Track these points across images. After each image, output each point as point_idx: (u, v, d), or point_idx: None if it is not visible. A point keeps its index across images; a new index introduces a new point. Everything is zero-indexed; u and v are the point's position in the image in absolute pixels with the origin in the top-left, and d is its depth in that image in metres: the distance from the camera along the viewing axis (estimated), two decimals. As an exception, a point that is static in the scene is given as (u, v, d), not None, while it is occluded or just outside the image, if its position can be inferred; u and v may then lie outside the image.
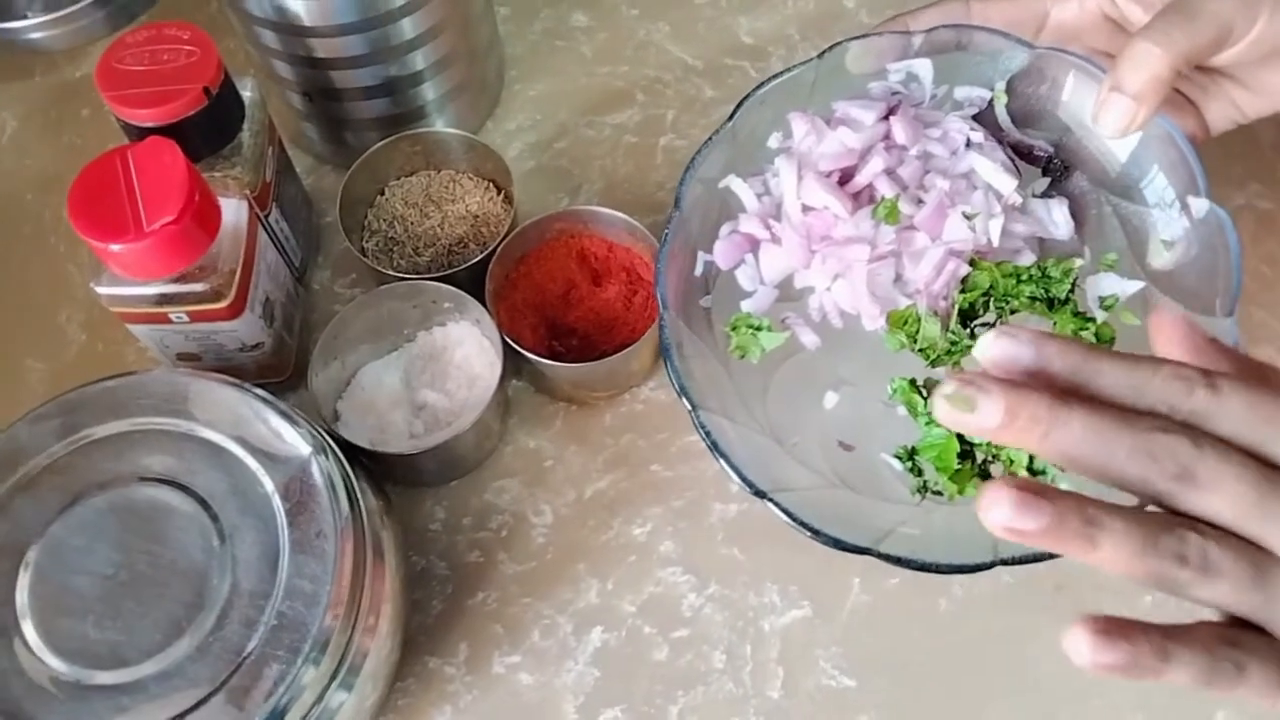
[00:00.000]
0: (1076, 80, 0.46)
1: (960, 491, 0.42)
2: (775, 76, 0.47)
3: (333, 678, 0.42)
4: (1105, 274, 0.46)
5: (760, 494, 0.41)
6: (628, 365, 0.54)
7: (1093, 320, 0.44)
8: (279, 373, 0.54)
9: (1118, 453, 0.27)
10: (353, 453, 0.47)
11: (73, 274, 0.59)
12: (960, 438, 0.42)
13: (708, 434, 0.42)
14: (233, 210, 0.48)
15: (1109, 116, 0.43)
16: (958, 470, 0.41)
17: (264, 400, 0.44)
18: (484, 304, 0.52)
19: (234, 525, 0.42)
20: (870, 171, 0.46)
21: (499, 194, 0.58)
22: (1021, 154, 0.48)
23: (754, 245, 0.47)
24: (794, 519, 0.41)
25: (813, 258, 0.45)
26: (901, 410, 0.44)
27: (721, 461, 0.42)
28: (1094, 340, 0.43)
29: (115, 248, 0.43)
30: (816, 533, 0.41)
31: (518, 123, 0.64)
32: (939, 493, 0.43)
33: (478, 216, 0.57)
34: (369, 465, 0.49)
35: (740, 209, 0.48)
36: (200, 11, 0.66)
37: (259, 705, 0.39)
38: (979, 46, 0.47)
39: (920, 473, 0.43)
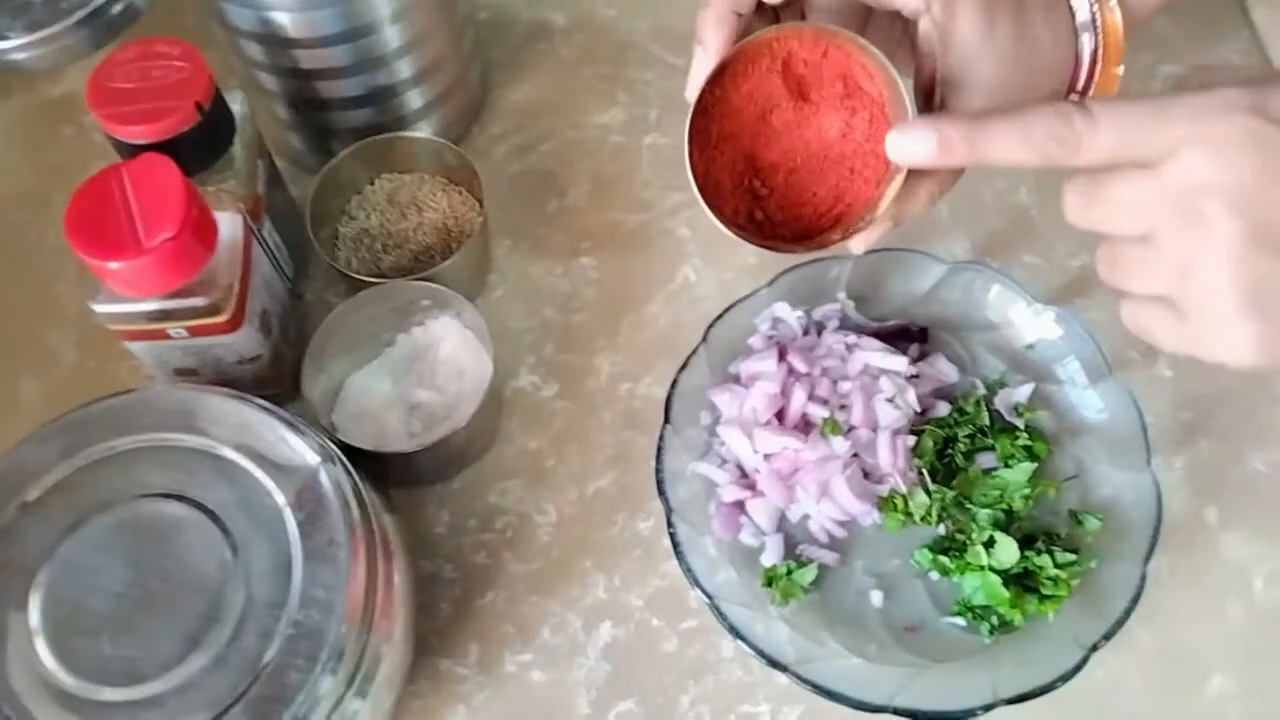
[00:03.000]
0: (907, 265, 0.56)
1: (1024, 614, 0.49)
2: (683, 368, 0.54)
3: (349, 685, 0.42)
4: (1001, 390, 0.55)
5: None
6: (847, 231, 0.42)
7: (1022, 431, 0.53)
8: (277, 384, 0.54)
9: (1025, 138, 0.35)
10: (354, 458, 0.47)
11: (61, 292, 0.59)
12: (994, 570, 0.49)
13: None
14: (228, 224, 0.48)
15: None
16: (1011, 597, 0.49)
17: (268, 411, 0.45)
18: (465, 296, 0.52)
19: (245, 537, 0.42)
20: (798, 404, 0.53)
21: (475, 201, 0.58)
22: (886, 336, 0.56)
23: (741, 508, 0.52)
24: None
25: (793, 491, 0.52)
26: (934, 575, 0.51)
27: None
28: (1027, 453, 0.53)
29: (115, 265, 0.43)
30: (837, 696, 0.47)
31: (502, 127, 0.64)
32: (1008, 622, 0.49)
33: (448, 223, 0.58)
34: (372, 470, 0.49)
35: (714, 485, 0.53)
36: (179, 26, 0.65)
37: (279, 716, 0.39)
38: (809, 276, 0.56)
39: (982, 618, 0.49)
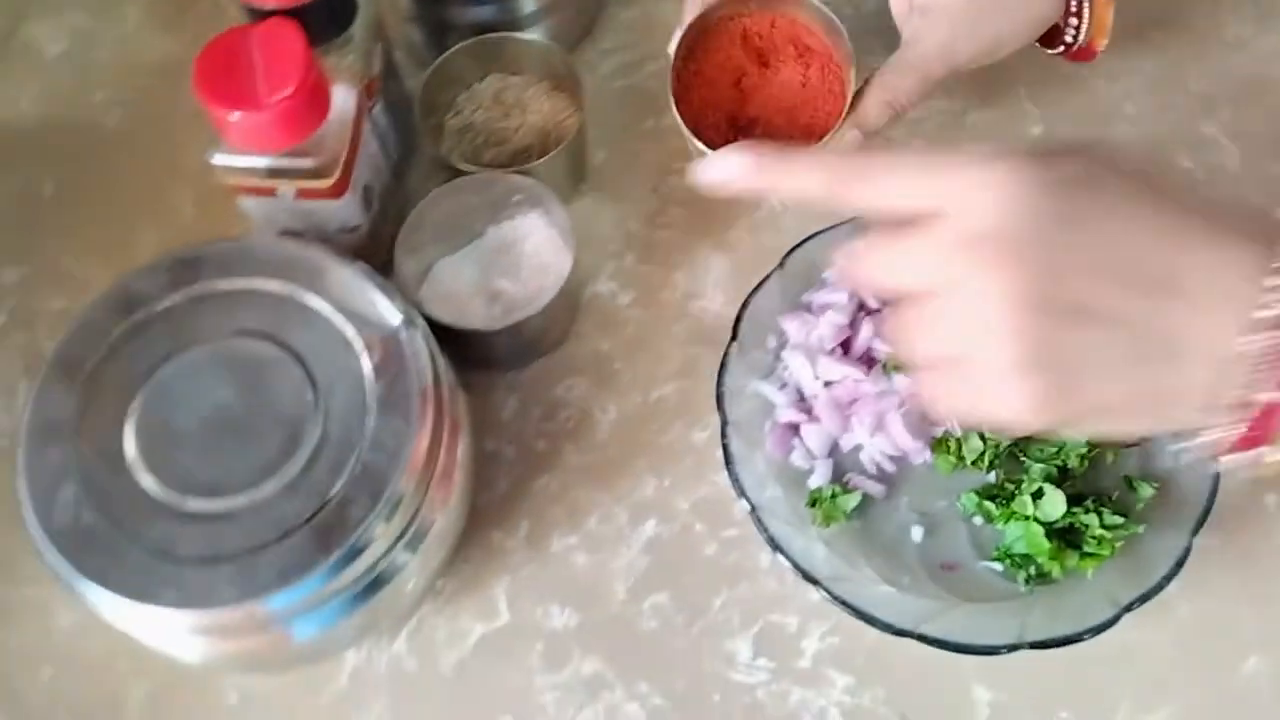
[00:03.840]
0: None
1: (1062, 568, 0.49)
2: (756, 289, 0.54)
3: (400, 536, 0.45)
4: None
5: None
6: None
7: None
8: (372, 259, 0.56)
9: (814, 171, 0.35)
10: (436, 335, 0.50)
11: (188, 154, 0.63)
12: (1039, 521, 0.49)
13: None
14: (341, 96, 0.51)
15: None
16: (1051, 550, 0.49)
17: (362, 273, 0.48)
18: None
19: (327, 381, 0.45)
20: (865, 338, 0.54)
21: (571, 107, 0.60)
22: None
23: (796, 430, 0.54)
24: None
25: (849, 421, 0.53)
26: (978, 520, 0.52)
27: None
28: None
29: (234, 116, 0.46)
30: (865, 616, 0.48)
31: (613, 43, 0.66)
32: (1045, 574, 0.50)
33: (548, 126, 0.60)
34: (451, 350, 0.52)
35: (772, 406, 0.54)
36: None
37: (340, 543, 0.43)
38: None
39: (1021, 566, 0.50)
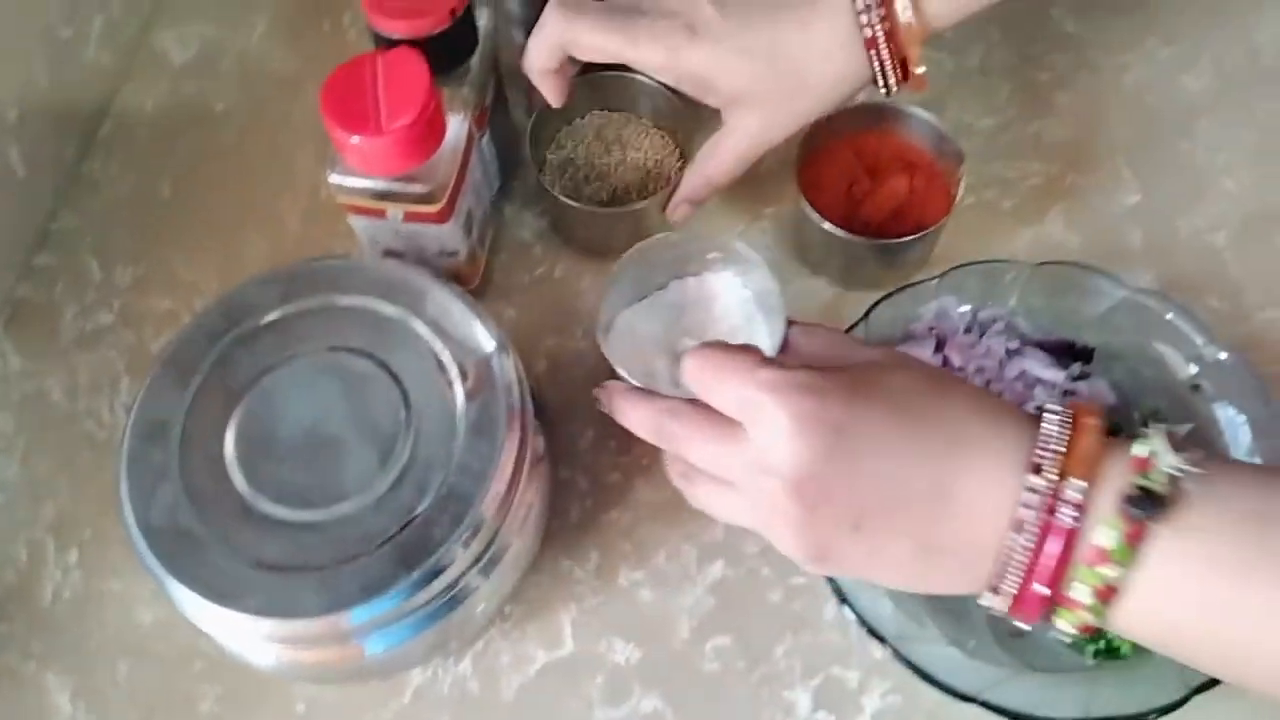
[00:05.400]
0: (1086, 284, 0.55)
1: (1132, 645, 0.48)
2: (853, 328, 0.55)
3: (476, 561, 0.46)
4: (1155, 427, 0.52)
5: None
6: (923, 251, 0.60)
7: None
8: (467, 282, 0.58)
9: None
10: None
11: (298, 168, 0.66)
12: None
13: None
14: (455, 126, 0.53)
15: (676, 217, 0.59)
16: None
17: (459, 297, 0.49)
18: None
19: (420, 401, 0.47)
20: None
21: (671, 144, 0.62)
22: (1050, 349, 0.56)
23: None
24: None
25: None
26: None
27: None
28: None
29: (355, 140, 0.48)
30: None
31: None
32: (1115, 650, 0.50)
33: (649, 164, 0.61)
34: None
35: None
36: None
37: (420, 563, 0.44)
38: (983, 274, 0.56)
39: (1091, 640, 0.49)
